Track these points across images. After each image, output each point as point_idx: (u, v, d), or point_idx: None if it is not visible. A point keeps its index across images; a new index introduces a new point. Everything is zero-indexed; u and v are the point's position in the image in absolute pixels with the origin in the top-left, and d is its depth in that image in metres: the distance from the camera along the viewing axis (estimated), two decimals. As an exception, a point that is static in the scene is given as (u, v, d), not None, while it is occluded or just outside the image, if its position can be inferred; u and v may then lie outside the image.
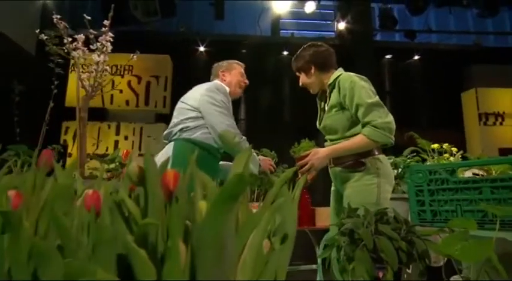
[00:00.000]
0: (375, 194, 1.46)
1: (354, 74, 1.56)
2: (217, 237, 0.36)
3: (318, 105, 1.81)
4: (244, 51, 5.94)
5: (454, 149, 2.18)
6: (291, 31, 6.45)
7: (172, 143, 1.67)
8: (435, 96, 6.06)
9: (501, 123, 5.41)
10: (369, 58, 5.90)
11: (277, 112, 5.93)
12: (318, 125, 1.78)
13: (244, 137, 1.70)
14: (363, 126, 1.50)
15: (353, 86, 1.49)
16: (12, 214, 0.47)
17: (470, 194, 1.04)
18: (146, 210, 0.50)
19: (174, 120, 1.72)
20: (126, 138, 5.08)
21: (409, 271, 0.96)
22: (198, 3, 6.13)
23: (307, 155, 1.53)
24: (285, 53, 6.14)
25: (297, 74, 1.75)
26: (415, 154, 2.84)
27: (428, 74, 6.21)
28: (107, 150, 4.94)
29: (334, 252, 1.06)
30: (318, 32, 6.42)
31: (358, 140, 1.49)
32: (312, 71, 1.66)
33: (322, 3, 6.11)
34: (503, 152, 5.07)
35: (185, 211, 0.43)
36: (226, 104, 1.74)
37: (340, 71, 1.63)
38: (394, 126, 1.47)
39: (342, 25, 6.08)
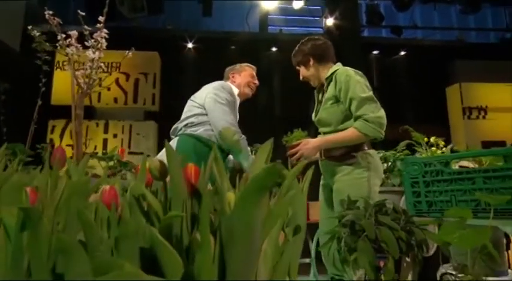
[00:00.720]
0: (366, 187, 1.51)
1: (350, 68, 1.60)
2: (247, 229, 0.37)
3: (316, 98, 1.84)
4: (233, 47, 5.92)
5: (441, 142, 2.25)
6: (279, 27, 6.46)
7: (176, 138, 1.69)
8: (421, 91, 6.19)
9: (484, 117, 5.57)
10: (356, 54, 5.96)
11: (267, 108, 5.94)
12: (313, 117, 1.81)
13: (243, 136, 1.71)
14: (355, 119, 1.53)
15: (348, 79, 1.53)
16: (32, 209, 0.48)
17: (464, 184, 1.09)
18: (166, 204, 0.50)
19: (182, 116, 1.77)
20: (115, 136, 5.01)
21: (408, 260, 0.99)
22: (185, 0, 6.07)
23: (298, 144, 1.57)
24: (274, 49, 6.15)
25: (297, 68, 1.79)
26: (404, 148, 2.91)
27: (414, 69, 6.33)
28: (95, 148, 4.86)
29: (335, 243, 1.09)
30: (306, 28, 6.45)
31: (349, 133, 1.53)
32: (311, 63, 1.70)
33: (310, -1, 6.14)
34: (486, 145, 5.23)
35: (210, 203, 0.44)
36: (229, 102, 1.76)
37: (338, 65, 1.67)
38: (385, 121, 1.51)
39: (330, 21, 6.13)
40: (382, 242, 0.95)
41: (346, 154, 1.57)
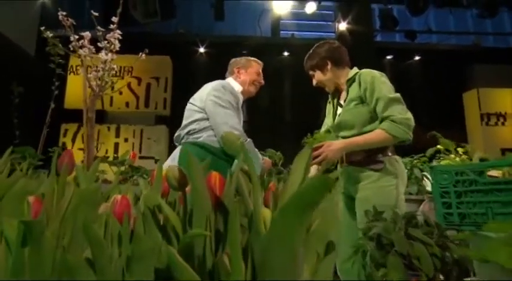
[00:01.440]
0: (394, 196, 1.40)
1: (369, 70, 1.54)
2: (289, 255, 0.30)
3: (330, 103, 1.76)
4: (244, 52, 5.89)
5: (461, 149, 2.14)
6: (292, 32, 6.41)
7: (179, 147, 1.61)
8: (436, 97, 6.05)
9: (503, 124, 5.40)
10: (369, 59, 5.87)
11: (278, 113, 5.88)
12: (329, 122, 1.72)
13: (249, 139, 1.59)
14: (381, 121, 1.45)
15: (373, 80, 1.46)
16: (34, 223, 0.42)
17: (502, 196, 1.00)
18: (186, 218, 0.44)
19: (183, 122, 1.66)
20: (126, 140, 5.00)
21: (442, 278, 0.91)
22: (198, 5, 6.09)
23: (320, 147, 1.46)
24: (286, 53, 6.11)
25: (311, 72, 1.70)
26: (432, 154, 2.79)
27: (429, 74, 6.20)
28: (106, 152, 4.87)
29: (360, 257, 1.01)
30: (319, 33, 6.39)
31: (376, 134, 1.43)
32: (329, 67, 1.61)
33: (322, 4, 6.08)
34: (505, 152, 5.06)
35: (239, 220, 0.38)
36: (232, 103, 1.64)
37: (356, 69, 1.59)
38: (413, 123, 1.43)
39: (342, 26, 6.06)
40: (414, 258, 0.87)
41: (372, 158, 1.48)
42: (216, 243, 0.40)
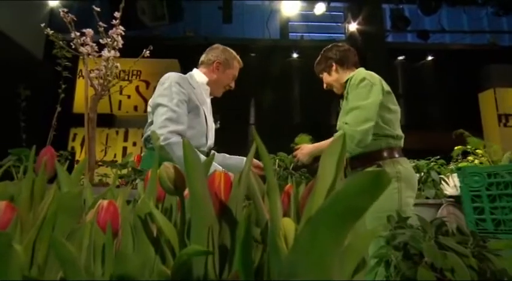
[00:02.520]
0: (396, 200, 1.33)
1: (366, 72, 1.53)
2: (320, 278, 0.22)
3: (340, 106, 1.77)
4: (253, 54, 5.84)
5: (480, 151, 2.01)
6: (300, 34, 6.33)
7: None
8: (450, 98, 5.88)
9: (522, 125, 5.20)
10: (381, 60, 5.75)
11: (287, 115, 5.79)
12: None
13: (172, 140, 1.31)
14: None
15: (352, 84, 1.50)
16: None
17: (545, 200, 0.89)
18: (183, 229, 0.35)
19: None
20: (134, 144, 4.97)
21: (480, 293, 0.80)
22: (206, 7, 6.06)
23: (296, 150, 1.65)
24: (295, 55, 6.03)
25: (320, 76, 1.75)
26: (436, 157, 2.67)
27: (443, 75, 6.04)
28: (115, 157, 4.84)
29: (382, 269, 0.91)
30: (328, 34, 6.29)
31: (330, 140, 1.45)
32: (333, 68, 1.66)
33: (332, 5, 5.99)
34: (525, 154, 4.85)
35: (252, 231, 0.29)
36: (171, 91, 1.41)
37: (357, 70, 1.59)
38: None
39: (352, 27, 5.95)
40: (448, 270, 0.77)
41: (368, 161, 1.48)
42: (221, 261, 0.31)
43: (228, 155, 1.72)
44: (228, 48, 1.70)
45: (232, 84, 1.70)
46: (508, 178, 0.95)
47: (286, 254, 0.23)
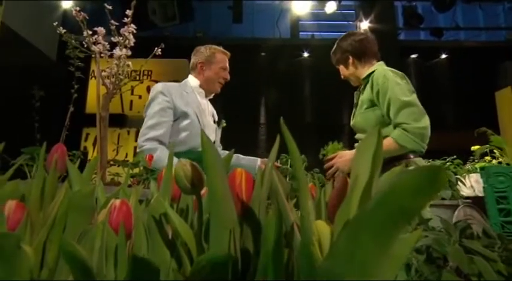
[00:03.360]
0: None
1: (389, 68, 1.45)
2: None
3: (355, 101, 1.68)
4: (263, 54, 5.81)
5: (498, 151, 1.94)
6: (311, 33, 6.27)
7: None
8: (465, 96, 5.74)
9: (541, 124, 5.03)
10: (393, 58, 5.64)
11: (299, 115, 5.74)
12: (351, 121, 1.66)
13: (146, 147, 1.41)
14: (394, 127, 1.37)
15: (385, 81, 1.37)
16: (7, 236, 0.32)
17: None
18: (201, 231, 0.33)
19: None
20: (145, 144, 5.00)
21: (509, 300, 0.76)
22: (216, 7, 6.06)
23: (333, 158, 1.48)
24: (306, 54, 5.97)
25: (337, 67, 1.65)
26: (452, 157, 2.59)
27: (457, 73, 5.90)
28: (126, 156, 4.87)
29: (403, 272, 0.87)
30: (339, 33, 6.21)
31: (386, 143, 1.35)
32: (350, 61, 1.56)
33: (343, 3, 5.92)
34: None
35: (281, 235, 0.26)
36: (154, 101, 1.54)
37: (378, 65, 1.50)
38: (428, 132, 1.33)
39: (364, 25, 5.86)
40: (474, 276, 0.72)
41: (388, 163, 1.39)
42: (244, 268, 0.29)
43: (241, 156, 1.74)
44: (209, 45, 1.72)
45: (226, 76, 1.70)
46: (536, 178, 0.91)
47: (321, 261, 0.21)
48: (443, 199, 2.52)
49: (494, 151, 1.96)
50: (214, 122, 1.75)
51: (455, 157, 2.62)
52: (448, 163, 2.84)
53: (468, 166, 2.50)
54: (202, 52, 1.71)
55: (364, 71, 1.54)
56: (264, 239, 0.24)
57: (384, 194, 0.18)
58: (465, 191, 2.62)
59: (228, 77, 1.72)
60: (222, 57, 1.70)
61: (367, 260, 0.19)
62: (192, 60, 1.73)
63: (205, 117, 1.64)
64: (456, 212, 2.60)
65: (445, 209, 2.59)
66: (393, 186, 0.18)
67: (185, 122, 1.54)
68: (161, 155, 1.37)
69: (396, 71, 1.45)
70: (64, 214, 0.39)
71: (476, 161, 2.26)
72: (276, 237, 0.22)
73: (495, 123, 5.53)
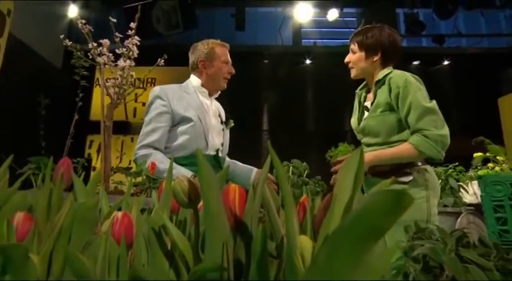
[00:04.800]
0: (425, 209, 1.27)
1: (408, 73, 1.39)
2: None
3: (357, 103, 1.60)
4: (266, 61, 5.86)
5: (500, 158, 1.95)
6: (314, 40, 6.33)
7: None
8: (468, 103, 5.74)
9: (545, 130, 5.01)
10: (395, 65, 5.67)
11: (302, 122, 5.77)
12: (354, 124, 1.56)
13: (139, 155, 1.42)
14: (413, 133, 1.32)
15: (407, 84, 1.32)
16: (16, 247, 0.34)
17: None
18: (198, 242, 0.35)
19: None
20: (149, 151, 5.04)
21: (505, 309, 0.77)
22: (219, 15, 6.15)
23: (341, 161, 1.36)
24: (308, 62, 6.02)
25: (353, 46, 1.48)
26: (455, 163, 2.59)
27: (460, 80, 5.91)
28: (130, 163, 4.90)
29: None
30: (342, 40, 6.26)
31: (404, 149, 1.32)
32: (377, 57, 1.43)
33: (344, 10, 5.97)
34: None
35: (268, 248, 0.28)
36: (150, 107, 1.51)
37: (390, 68, 1.46)
38: (448, 141, 1.30)
39: (366, 32, 5.90)
40: (470, 285, 0.74)
41: (399, 169, 1.35)
42: (236, 277, 0.31)
43: (239, 163, 1.71)
44: (206, 40, 1.65)
45: (231, 70, 1.63)
46: (533, 187, 0.92)
47: (303, 273, 0.23)
48: (445, 206, 2.52)
49: (497, 157, 1.96)
50: (222, 122, 1.67)
51: (457, 163, 2.62)
52: (450, 170, 2.85)
53: (471, 173, 2.50)
54: (200, 49, 1.64)
55: (381, 72, 1.44)
56: (253, 251, 0.26)
57: (357, 213, 0.20)
58: (468, 198, 2.61)
59: (233, 71, 1.63)
60: (221, 50, 1.63)
61: (344, 271, 0.21)
62: (191, 59, 1.66)
63: (209, 118, 1.57)
64: (459, 219, 2.60)
65: (447, 216, 2.58)
66: (365, 207, 0.20)
67: (185, 126, 1.49)
68: (154, 159, 1.36)
69: (416, 76, 1.40)
70: (69, 225, 0.41)
71: (479, 168, 2.26)
72: (260, 249, 0.24)
73: (498, 130, 5.52)
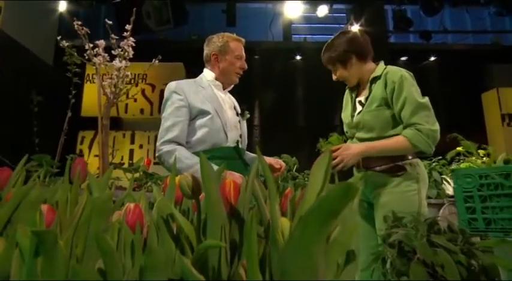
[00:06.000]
0: (416, 201, 1.33)
1: (402, 69, 1.42)
2: (309, 264, 0.29)
3: (348, 98, 1.62)
4: (256, 57, 5.91)
5: (482, 151, 2.06)
6: (304, 36, 6.39)
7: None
8: (454, 98, 5.90)
9: (526, 124, 5.21)
10: (383, 61, 5.78)
11: (292, 117, 5.85)
12: (347, 119, 1.59)
13: (164, 150, 1.39)
14: (406, 127, 1.36)
15: (402, 80, 1.35)
16: (47, 233, 0.41)
17: (531, 200, 0.95)
18: (199, 227, 0.42)
19: None
20: (141, 147, 5.07)
21: (469, 287, 0.86)
22: (210, 11, 6.15)
23: (335, 150, 1.37)
24: (298, 57, 6.09)
25: (330, 66, 1.54)
26: (438, 157, 2.71)
27: (446, 75, 6.06)
28: (122, 159, 4.93)
29: (379, 265, 0.97)
30: (331, 36, 6.33)
31: (397, 141, 1.35)
32: (353, 61, 1.47)
33: (334, 6, 6.05)
34: (529, 154, 4.86)
35: (255, 229, 0.36)
36: (168, 102, 1.47)
37: (383, 65, 1.50)
38: (439, 136, 1.33)
39: (355, 28, 5.99)
40: (438, 266, 0.83)
41: (392, 162, 1.39)
42: (232, 254, 0.38)
43: (250, 154, 1.72)
44: (221, 33, 1.63)
45: (243, 65, 1.62)
46: (498, 179, 1.01)
47: (282, 245, 0.30)
48: (429, 197, 2.64)
49: (479, 151, 2.08)
50: (237, 114, 1.66)
51: (440, 157, 2.74)
52: (434, 163, 2.97)
53: (454, 166, 2.62)
54: (214, 42, 1.60)
55: (368, 69, 1.48)
56: (245, 232, 0.34)
57: (320, 200, 0.28)
58: (450, 190, 2.74)
59: (245, 66, 1.62)
60: (236, 45, 1.60)
61: (311, 243, 0.29)
62: (205, 51, 1.62)
63: (225, 111, 1.56)
64: (442, 210, 2.73)
65: (431, 207, 2.71)
66: (326, 195, 0.27)
67: (203, 119, 1.48)
68: (179, 155, 1.36)
69: (409, 72, 1.43)
70: (88, 216, 0.48)
71: (461, 161, 2.38)
72: (250, 230, 0.32)
73: (482, 124, 5.70)
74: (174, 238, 0.43)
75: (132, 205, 0.48)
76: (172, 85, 1.51)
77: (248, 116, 1.72)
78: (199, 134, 1.45)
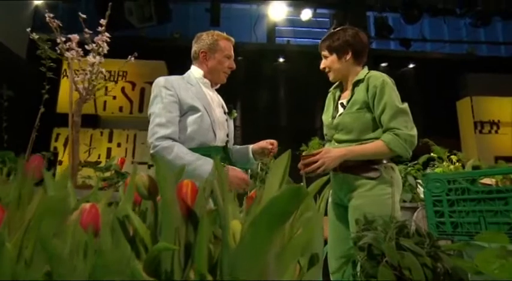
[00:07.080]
0: (389, 205, 1.35)
1: (384, 74, 1.44)
2: (258, 267, 0.28)
3: (331, 100, 1.63)
4: (240, 58, 5.90)
5: (454, 157, 2.13)
6: (287, 38, 6.44)
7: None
8: (430, 105, 6.07)
9: (496, 132, 5.43)
10: (366, 66, 5.89)
11: (274, 119, 5.87)
12: (327, 120, 1.59)
13: (161, 146, 1.33)
14: (385, 131, 1.38)
15: (384, 85, 1.37)
16: (-9, 234, 0.38)
17: (495, 205, 0.98)
18: (156, 229, 0.41)
19: None
20: (119, 145, 4.95)
21: (434, 290, 0.88)
22: (194, 9, 6.10)
23: (316, 154, 1.37)
24: (281, 60, 6.13)
25: (324, 53, 1.53)
26: (414, 162, 2.78)
27: (423, 82, 6.25)
28: (99, 157, 4.80)
29: (350, 268, 0.98)
30: (314, 40, 6.42)
31: (375, 145, 1.37)
32: (348, 56, 1.47)
33: (318, 11, 6.13)
34: (499, 161, 5.06)
35: (210, 231, 0.35)
36: (158, 97, 1.42)
37: (367, 69, 1.50)
38: (416, 141, 1.36)
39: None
40: (405, 269, 0.84)
41: (367, 166, 1.41)
42: (186, 257, 0.37)
43: (237, 146, 1.69)
44: (211, 31, 1.61)
45: (232, 65, 1.59)
46: (465, 184, 1.04)
47: (234, 247, 0.29)
48: (404, 201, 2.71)
49: (451, 157, 2.14)
50: (225, 113, 1.64)
51: (416, 162, 2.81)
52: (409, 168, 3.04)
53: (429, 171, 2.69)
54: (204, 39, 1.58)
55: (355, 71, 1.50)
56: (198, 234, 0.32)
57: (270, 202, 0.27)
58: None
59: (234, 66, 1.60)
60: (226, 44, 1.57)
61: (263, 244, 0.28)
62: (194, 48, 1.60)
63: (214, 110, 1.53)
64: (415, 214, 2.80)
65: (405, 211, 2.78)
66: (275, 197, 0.27)
67: (193, 117, 1.44)
68: (179, 152, 1.32)
69: (390, 78, 1.46)
70: (39, 216, 0.46)
71: (436, 166, 2.45)
72: (201, 232, 0.31)
73: (457, 131, 5.91)
74: (130, 240, 0.42)
75: (87, 205, 0.45)
76: (161, 80, 1.47)
77: (236, 115, 1.69)
78: (188, 131, 1.41)
